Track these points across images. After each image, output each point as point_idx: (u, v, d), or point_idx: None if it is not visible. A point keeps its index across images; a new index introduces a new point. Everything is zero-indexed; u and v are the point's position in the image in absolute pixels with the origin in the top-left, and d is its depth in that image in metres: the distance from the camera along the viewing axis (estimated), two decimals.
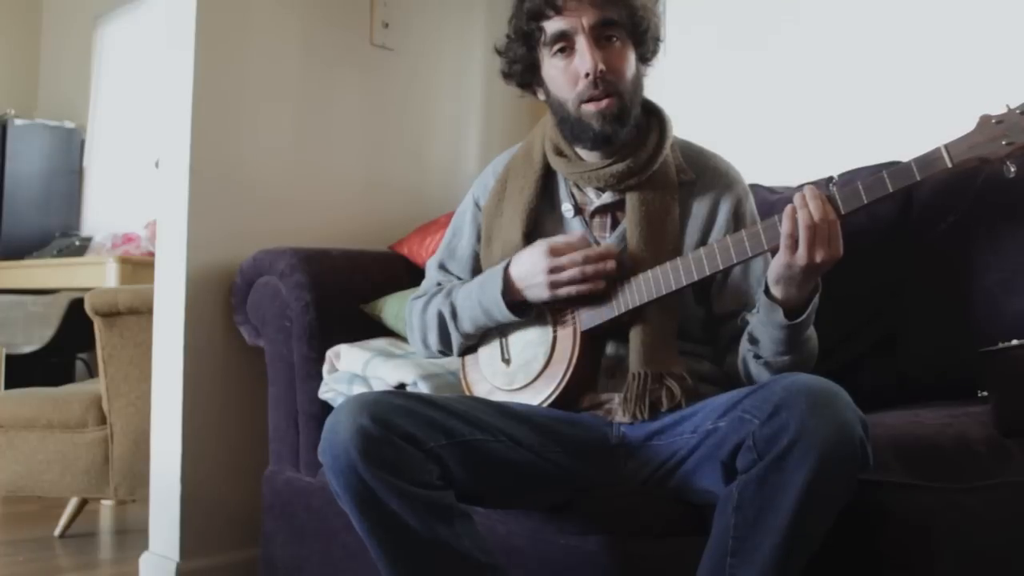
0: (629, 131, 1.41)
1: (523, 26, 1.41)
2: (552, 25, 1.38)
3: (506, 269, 1.41)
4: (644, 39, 1.42)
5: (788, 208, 1.22)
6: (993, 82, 1.84)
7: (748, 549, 1.11)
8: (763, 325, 1.30)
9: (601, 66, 1.35)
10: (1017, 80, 1.79)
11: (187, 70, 1.96)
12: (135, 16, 3.89)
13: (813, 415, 1.08)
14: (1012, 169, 1.17)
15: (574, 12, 1.36)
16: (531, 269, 1.38)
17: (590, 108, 1.38)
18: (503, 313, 1.40)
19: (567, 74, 1.39)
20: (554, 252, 1.37)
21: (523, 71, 1.46)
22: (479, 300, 1.43)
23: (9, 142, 3.77)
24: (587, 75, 1.36)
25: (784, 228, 1.22)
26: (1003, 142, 1.17)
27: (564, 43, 1.38)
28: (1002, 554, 1.16)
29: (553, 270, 1.36)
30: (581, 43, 1.37)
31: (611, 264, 1.36)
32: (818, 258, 1.20)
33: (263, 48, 2.08)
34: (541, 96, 1.48)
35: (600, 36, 1.37)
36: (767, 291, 1.28)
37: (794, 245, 1.21)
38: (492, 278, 1.42)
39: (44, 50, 4.42)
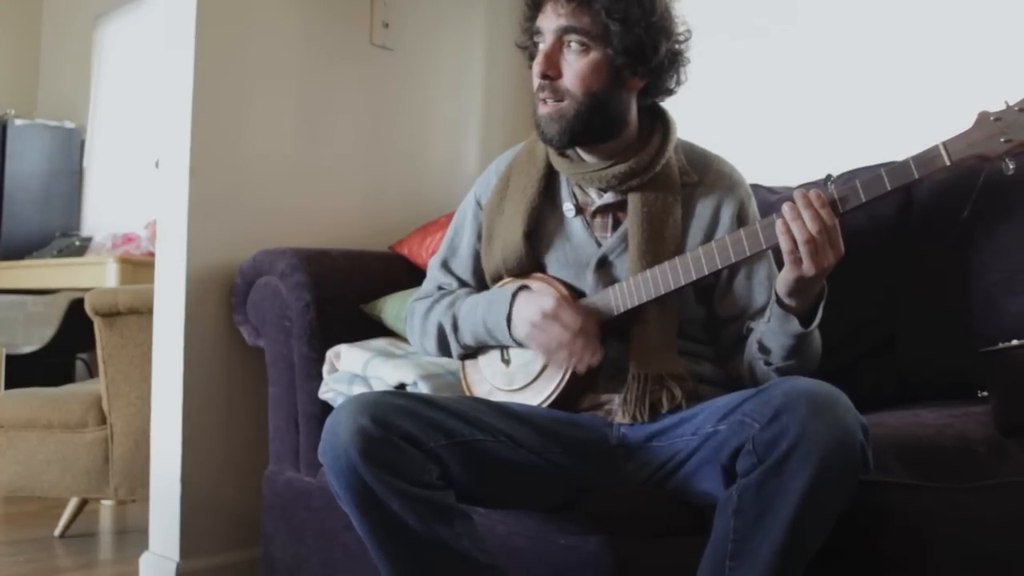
0: (577, 138, 1.39)
1: (524, 20, 1.43)
2: (537, 22, 1.39)
3: (514, 295, 1.41)
4: (627, 49, 1.34)
5: (779, 224, 1.22)
6: (992, 80, 1.83)
7: (747, 552, 1.11)
8: (774, 334, 1.30)
9: (548, 69, 1.36)
10: (1016, 78, 1.79)
11: (187, 70, 1.96)
12: (135, 16, 3.89)
13: (813, 420, 1.08)
14: (1011, 166, 1.17)
15: (548, 13, 1.37)
16: (525, 314, 1.37)
17: (538, 108, 1.39)
18: (506, 337, 1.41)
19: (534, 72, 1.40)
20: (560, 305, 1.35)
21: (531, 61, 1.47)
22: (484, 319, 1.44)
23: (9, 142, 3.77)
24: (538, 75, 1.37)
25: (783, 245, 1.22)
26: (1001, 139, 1.16)
27: (540, 40, 1.39)
28: (1002, 554, 1.15)
29: (546, 316, 1.34)
30: (543, 44, 1.37)
31: (592, 358, 1.33)
32: (825, 264, 1.21)
33: (263, 48, 2.08)
34: None
35: (567, 41, 1.36)
36: (779, 302, 1.28)
37: (798, 260, 1.21)
38: (500, 301, 1.42)
39: (44, 50, 4.41)
